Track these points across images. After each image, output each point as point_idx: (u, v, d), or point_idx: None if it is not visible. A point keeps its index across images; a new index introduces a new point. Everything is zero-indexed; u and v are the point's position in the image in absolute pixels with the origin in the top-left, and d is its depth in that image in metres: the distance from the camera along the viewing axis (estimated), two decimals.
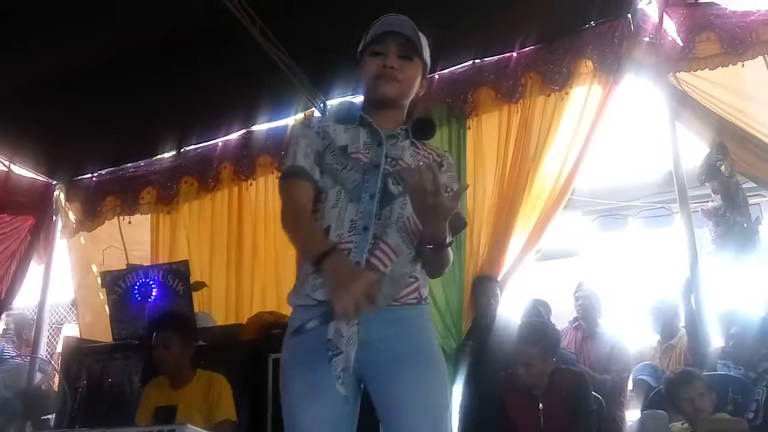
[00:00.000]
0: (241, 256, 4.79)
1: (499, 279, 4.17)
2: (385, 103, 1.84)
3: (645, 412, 3.09)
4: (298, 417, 1.67)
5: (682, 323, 4.15)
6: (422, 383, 1.67)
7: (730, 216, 3.85)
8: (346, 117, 1.87)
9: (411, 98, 1.89)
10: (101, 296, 5.07)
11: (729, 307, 3.85)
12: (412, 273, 1.75)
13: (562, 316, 4.92)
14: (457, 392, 4.09)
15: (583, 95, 4.13)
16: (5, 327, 6.00)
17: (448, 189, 1.77)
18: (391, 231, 1.71)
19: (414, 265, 1.75)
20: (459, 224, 1.83)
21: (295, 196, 1.76)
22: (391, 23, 1.82)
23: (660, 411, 3.10)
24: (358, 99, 2.02)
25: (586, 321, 4.57)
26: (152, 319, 3.54)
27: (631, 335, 4.55)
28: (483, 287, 4.12)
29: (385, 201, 1.73)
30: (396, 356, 1.66)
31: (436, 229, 1.63)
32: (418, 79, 1.88)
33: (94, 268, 5.33)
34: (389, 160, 1.78)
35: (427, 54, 1.89)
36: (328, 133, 1.83)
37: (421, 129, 1.88)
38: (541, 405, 3.33)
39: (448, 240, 1.67)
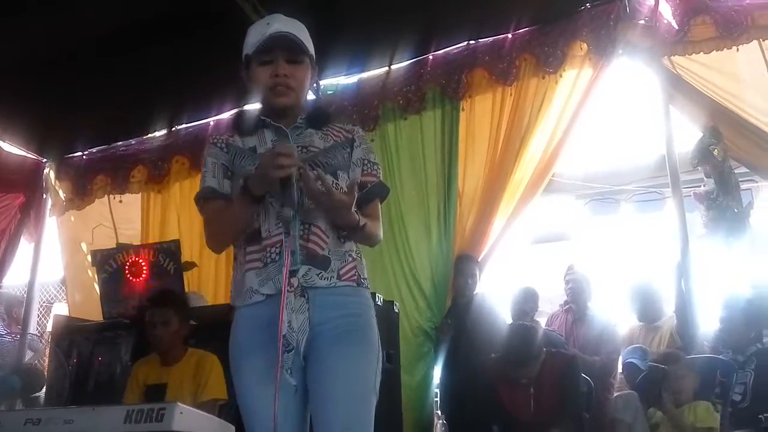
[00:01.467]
0: None
1: (479, 259, 4.19)
2: (283, 111, 1.86)
3: (616, 395, 3.15)
4: (251, 405, 1.73)
5: (670, 307, 4.17)
6: (351, 359, 1.72)
7: (723, 200, 3.86)
8: (248, 127, 1.90)
9: (306, 96, 1.94)
10: (90, 274, 5.07)
11: (729, 291, 3.87)
12: (348, 252, 1.81)
13: (554, 300, 4.95)
14: (437, 371, 4.16)
15: (573, 77, 4.11)
16: None
17: (366, 163, 1.89)
18: (318, 214, 1.77)
19: (346, 243, 1.82)
20: (383, 192, 1.94)
21: (212, 219, 1.87)
22: (274, 28, 1.81)
23: (630, 392, 3.11)
24: (253, 106, 2.07)
25: (576, 304, 4.58)
26: (150, 297, 3.52)
27: (621, 318, 4.56)
28: (462, 267, 4.17)
29: None
30: (334, 336, 1.72)
31: (343, 220, 1.74)
32: (308, 80, 1.90)
33: (84, 246, 5.31)
34: (300, 149, 1.81)
35: (311, 46, 1.89)
36: (232, 144, 1.88)
37: (317, 118, 1.91)
38: (532, 389, 3.36)
39: (360, 223, 1.76)
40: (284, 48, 1.82)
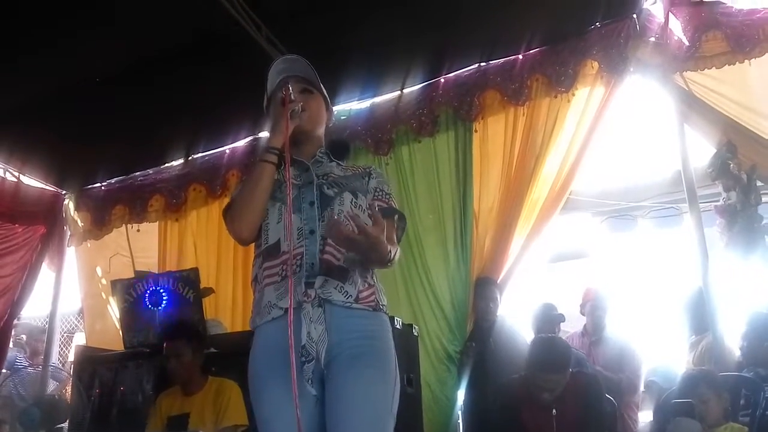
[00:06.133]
0: (248, 262, 4.79)
1: (499, 281, 4.18)
2: (301, 136, 1.95)
3: (677, 418, 3.03)
4: (273, 425, 1.75)
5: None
6: (366, 382, 1.74)
7: (746, 214, 3.81)
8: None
9: (322, 129, 2.05)
10: (104, 296, 5.13)
11: (752, 306, 3.79)
12: (366, 279, 1.84)
13: (573, 318, 4.91)
14: (462, 393, 4.13)
15: (585, 96, 4.12)
16: (16, 336, 6.02)
17: (378, 191, 1.96)
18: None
19: (362, 264, 1.83)
20: (394, 214, 1.96)
21: (233, 201, 1.95)
22: (285, 69, 2.00)
23: (692, 420, 3.01)
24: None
25: (592, 326, 4.57)
26: (162, 329, 3.54)
27: (642, 336, 4.51)
28: (482, 290, 4.15)
29: (325, 204, 1.86)
30: (349, 358, 1.74)
31: (378, 255, 1.73)
32: (323, 110, 2.05)
33: (99, 270, 5.37)
34: (320, 176, 1.92)
35: (323, 89, 2.06)
36: None
37: (338, 150, 2.05)
38: (555, 410, 3.32)
39: (391, 255, 1.77)
40: (295, 81, 1.99)
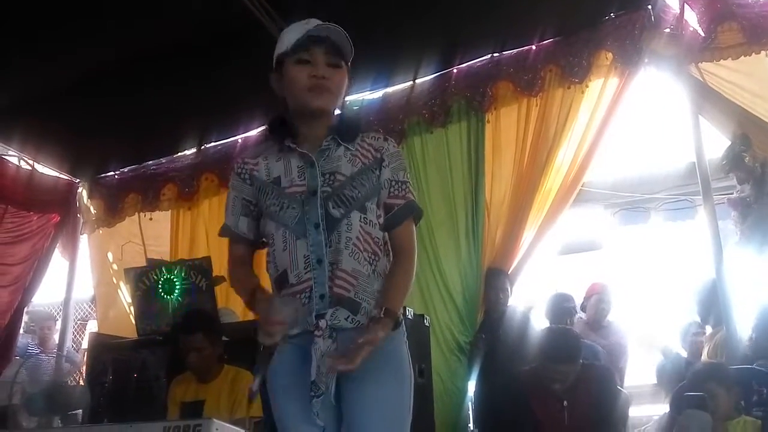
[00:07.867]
0: (259, 252, 4.81)
1: (510, 272, 4.18)
2: (318, 115, 1.79)
3: (687, 411, 2.99)
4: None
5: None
6: (384, 391, 1.70)
7: (759, 206, 3.79)
8: (273, 149, 1.86)
9: (340, 103, 1.86)
10: (115, 282, 5.18)
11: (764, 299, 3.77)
12: (380, 291, 1.76)
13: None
14: (472, 384, 4.15)
15: (599, 87, 4.10)
16: (29, 323, 6.08)
17: (393, 183, 1.82)
18: (344, 256, 1.72)
19: (378, 280, 1.77)
20: (411, 213, 1.85)
21: (229, 260, 1.94)
22: (317, 29, 1.75)
23: (703, 413, 2.98)
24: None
25: (593, 320, 4.64)
26: (178, 322, 3.51)
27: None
28: (492, 281, 4.17)
29: (331, 227, 1.73)
30: (365, 369, 1.64)
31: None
32: (345, 86, 1.83)
33: (110, 255, 5.44)
34: (326, 177, 1.76)
35: (350, 53, 1.83)
36: (255, 175, 1.85)
37: (346, 130, 1.83)
38: (565, 402, 3.32)
39: (399, 318, 1.76)
40: (323, 49, 1.76)
